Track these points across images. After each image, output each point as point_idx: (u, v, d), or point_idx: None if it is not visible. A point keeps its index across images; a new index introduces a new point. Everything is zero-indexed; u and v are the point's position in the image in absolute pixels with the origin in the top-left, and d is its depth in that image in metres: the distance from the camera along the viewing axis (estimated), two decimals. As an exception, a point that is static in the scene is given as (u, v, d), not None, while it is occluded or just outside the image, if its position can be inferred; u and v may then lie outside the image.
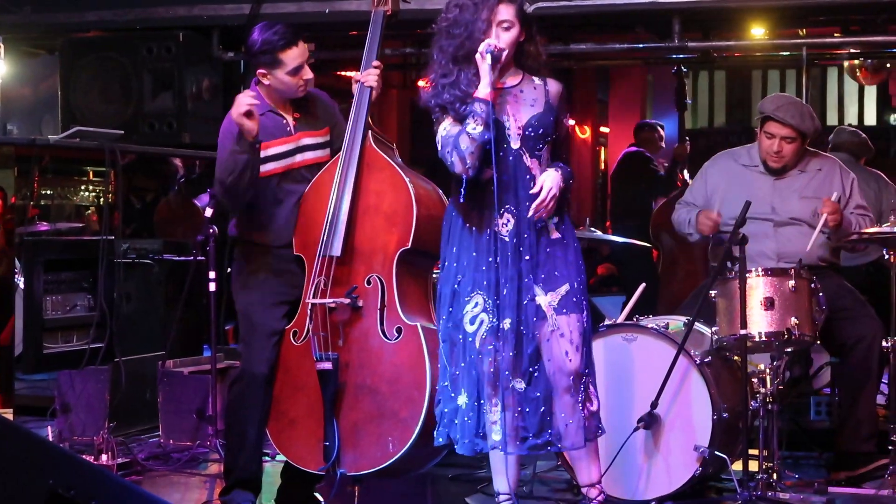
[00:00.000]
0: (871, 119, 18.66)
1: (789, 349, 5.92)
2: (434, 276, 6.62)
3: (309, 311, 5.40)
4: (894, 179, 8.16)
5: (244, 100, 5.26)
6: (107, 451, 6.33)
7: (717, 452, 5.65)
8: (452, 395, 4.97)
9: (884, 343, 6.01)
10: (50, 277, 7.34)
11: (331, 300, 5.35)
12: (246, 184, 5.32)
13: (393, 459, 5.24)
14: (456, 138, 4.85)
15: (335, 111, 5.72)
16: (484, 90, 4.83)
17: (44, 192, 8.15)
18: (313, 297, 5.38)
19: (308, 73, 5.49)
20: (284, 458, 5.56)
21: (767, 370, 5.84)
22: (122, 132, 7.47)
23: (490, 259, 4.92)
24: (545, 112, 5.01)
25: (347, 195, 5.38)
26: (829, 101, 18.59)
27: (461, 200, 4.89)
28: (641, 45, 8.96)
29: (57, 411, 6.96)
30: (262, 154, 5.40)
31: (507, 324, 4.89)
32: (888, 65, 11.29)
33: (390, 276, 5.35)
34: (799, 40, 8.56)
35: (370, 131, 5.46)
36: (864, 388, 6.23)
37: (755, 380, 5.86)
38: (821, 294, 5.88)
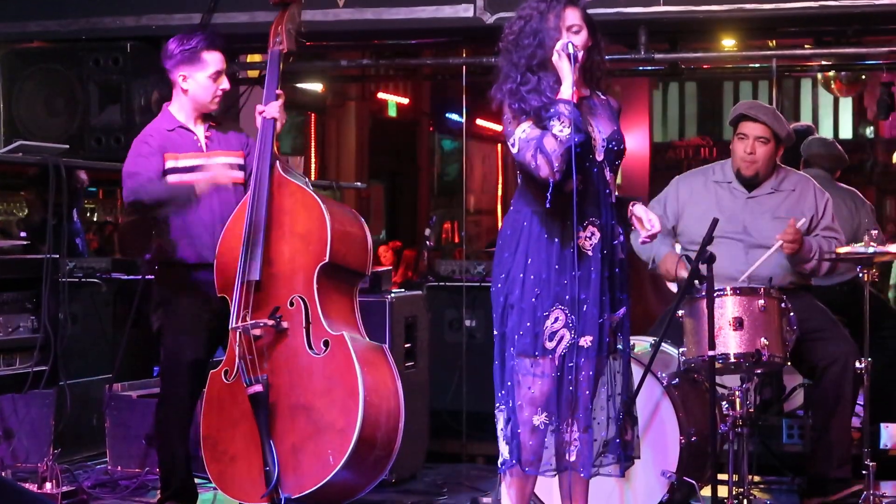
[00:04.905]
0: (846, 132, 18.66)
1: (759, 371, 5.83)
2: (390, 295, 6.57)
3: (237, 338, 5.51)
4: (870, 192, 8.03)
5: (227, 174, 5.60)
6: (51, 478, 6.19)
7: (685, 478, 5.62)
8: (526, 414, 4.79)
9: (857, 364, 5.86)
10: (-10, 298, 7.18)
11: (253, 322, 5.48)
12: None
13: (335, 472, 5.32)
14: (539, 141, 4.67)
15: (248, 139, 5.88)
16: (567, 90, 4.69)
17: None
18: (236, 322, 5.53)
19: (225, 83, 5.69)
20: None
21: (737, 392, 5.75)
22: (68, 146, 7.31)
23: (572, 274, 4.76)
24: (618, 128, 4.93)
25: (261, 221, 5.56)
26: (804, 113, 18.58)
27: (547, 206, 4.69)
28: (607, 57, 8.79)
29: (-1, 437, 6.88)
30: (172, 164, 5.61)
31: (587, 341, 4.79)
32: (863, 76, 11.19)
33: (312, 293, 5.51)
34: (768, 52, 8.49)
35: (277, 161, 5.67)
36: (837, 411, 6.15)
37: (724, 402, 5.78)
38: (791, 314, 5.79)
